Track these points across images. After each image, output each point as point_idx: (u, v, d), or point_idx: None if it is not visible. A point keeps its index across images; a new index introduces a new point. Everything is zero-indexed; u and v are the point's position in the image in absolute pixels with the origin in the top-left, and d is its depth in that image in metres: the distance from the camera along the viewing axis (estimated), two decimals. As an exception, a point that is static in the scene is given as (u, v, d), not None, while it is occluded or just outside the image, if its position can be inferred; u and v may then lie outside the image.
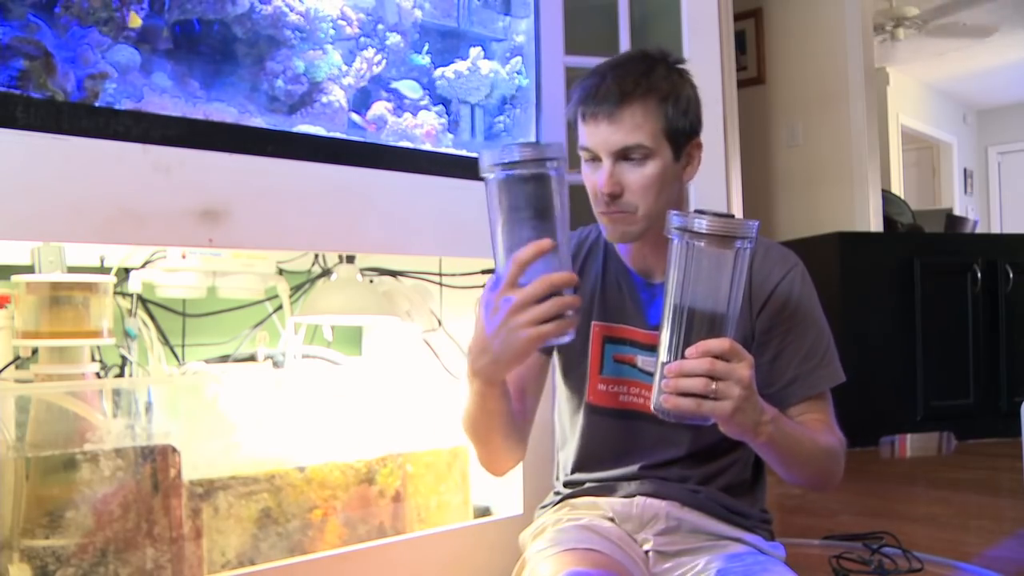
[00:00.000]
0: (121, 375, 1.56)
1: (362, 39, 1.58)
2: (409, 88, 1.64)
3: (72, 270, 1.39)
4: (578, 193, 1.09)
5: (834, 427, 1.11)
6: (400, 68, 1.65)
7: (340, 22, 1.53)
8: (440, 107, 1.68)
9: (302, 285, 1.81)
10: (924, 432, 3.40)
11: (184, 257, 1.54)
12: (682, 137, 1.08)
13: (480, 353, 0.99)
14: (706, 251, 0.89)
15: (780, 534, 1.19)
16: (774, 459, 1.02)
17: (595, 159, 1.07)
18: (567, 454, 1.22)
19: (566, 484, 1.22)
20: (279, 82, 1.44)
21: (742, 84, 4.00)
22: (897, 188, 5.96)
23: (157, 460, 1.27)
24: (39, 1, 1.18)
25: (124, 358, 1.56)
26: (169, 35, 1.33)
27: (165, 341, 1.67)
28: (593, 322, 1.16)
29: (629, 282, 1.17)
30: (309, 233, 1.36)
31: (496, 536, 1.56)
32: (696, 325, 0.90)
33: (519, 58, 1.80)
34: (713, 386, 0.88)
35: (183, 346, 1.72)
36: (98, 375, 1.43)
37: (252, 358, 1.67)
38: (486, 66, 1.73)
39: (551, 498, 1.23)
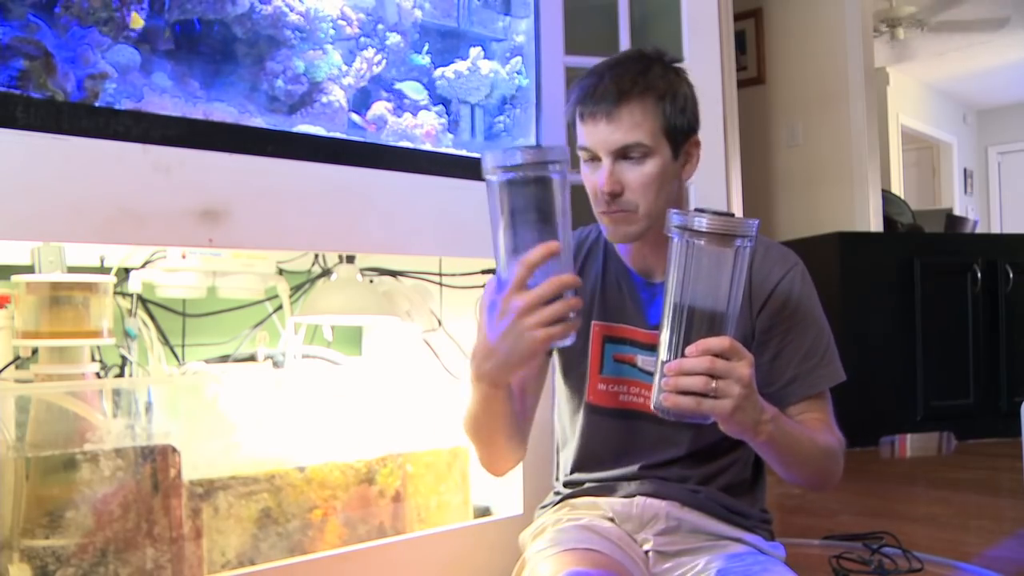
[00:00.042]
0: (121, 375, 1.56)
1: (362, 39, 1.58)
2: (413, 89, 1.64)
3: (72, 270, 1.39)
4: (578, 193, 1.09)
5: (833, 427, 1.11)
6: (400, 68, 1.65)
7: (340, 22, 1.53)
8: (440, 107, 1.68)
9: (302, 285, 1.81)
10: (924, 432, 3.40)
11: (184, 257, 1.54)
12: (680, 135, 1.08)
13: (486, 356, 0.99)
14: (706, 249, 0.89)
15: (780, 534, 1.19)
16: (774, 458, 1.02)
17: (594, 159, 1.08)
18: (567, 454, 1.22)
19: (566, 484, 1.22)
20: (279, 82, 1.44)
21: (742, 84, 4.00)
22: (897, 188, 5.96)
23: (157, 460, 1.27)
24: (39, 1, 1.18)
25: (124, 358, 1.56)
26: (169, 35, 1.33)
27: (165, 341, 1.67)
28: (593, 322, 1.16)
29: (629, 282, 1.17)
30: (309, 233, 1.36)
31: (496, 536, 1.56)
32: (696, 324, 0.90)
33: (519, 58, 1.80)
34: (713, 384, 0.88)
35: (183, 346, 1.72)
36: (98, 375, 1.43)
37: (252, 358, 1.67)
38: (486, 66, 1.73)
39: (551, 498, 1.23)
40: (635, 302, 1.16)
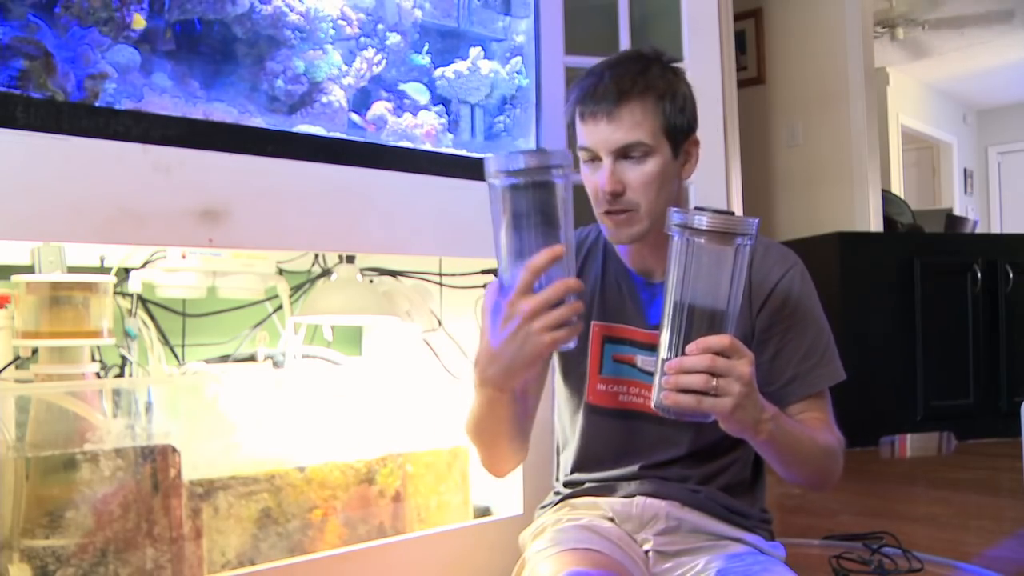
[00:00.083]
0: (121, 375, 1.56)
1: (362, 39, 1.58)
2: (416, 91, 1.65)
3: (72, 270, 1.39)
4: (577, 193, 1.09)
5: (833, 426, 1.11)
6: (400, 68, 1.65)
7: (340, 22, 1.53)
8: (440, 107, 1.68)
9: (302, 285, 1.81)
10: (924, 432, 3.40)
11: (184, 257, 1.54)
12: (680, 134, 1.09)
13: (490, 361, 0.99)
14: (706, 248, 0.89)
15: (780, 534, 1.19)
16: (774, 457, 1.02)
17: (595, 159, 1.08)
18: (567, 455, 1.22)
19: (566, 484, 1.22)
20: (279, 82, 1.44)
21: (742, 84, 4.00)
22: (897, 188, 5.96)
23: (157, 460, 1.27)
24: (39, 1, 1.18)
25: (124, 358, 1.56)
26: (171, 36, 1.33)
27: (165, 341, 1.67)
28: (592, 322, 1.16)
29: (629, 282, 1.17)
30: (309, 233, 1.36)
31: (496, 536, 1.56)
32: (696, 322, 0.90)
33: (519, 58, 1.80)
34: (714, 383, 0.88)
35: (183, 346, 1.72)
36: (98, 375, 1.43)
37: (252, 358, 1.67)
38: (486, 66, 1.73)
39: (551, 498, 1.23)
40: (635, 302, 1.16)
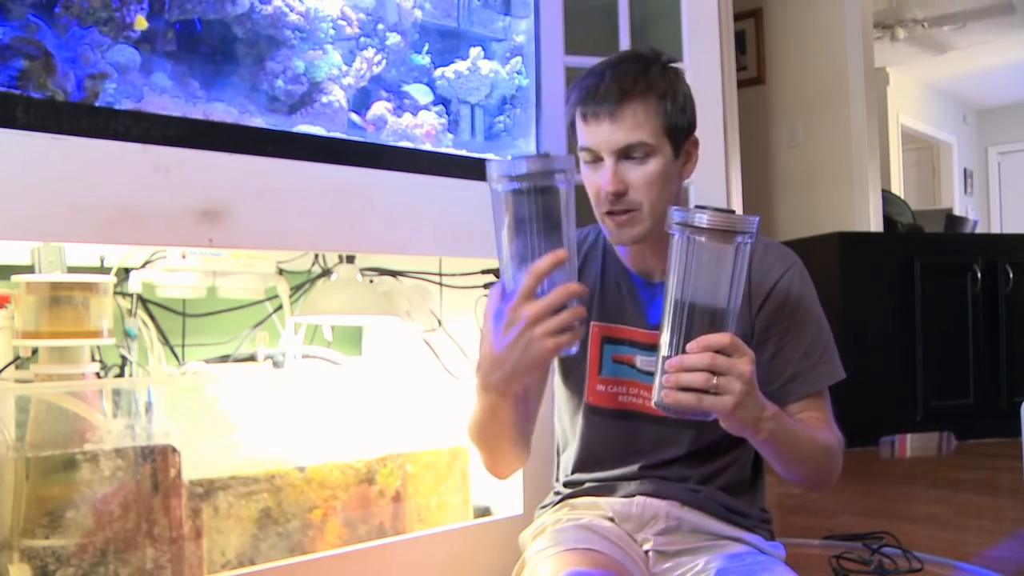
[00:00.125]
0: (121, 375, 1.56)
1: (362, 39, 1.58)
2: (420, 92, 1.65)
3: (72, 270, 1.39)
4: (577, 194, 1.09)
5: (833, 425, 1.11)
6: (400, 68, 1.65)
7: (340, 22, 1.53)
8: (440, 107, 1.68)
9: (302, 285, 1.81)
10: (924, 432, 3.41)
11: (184, 257, 1.54)
12: (681, 134, 1.09)
13: (493, 366, 0.98)
14: (707, 246, 0.89)
15: (780, 534, 1.19)
16: (774, 456, 1.02)
17: (597, 159, 1.07)
18: (568, 455, 1.23)
19: (566, 484, 1.22)
20: (279, 82, 1.44)
21: (742, 84, 4.00)
22: (897, 188, 5.96)
23: (157, 460, 1.27)
24: (39, 1, 1.18)
25: (124, 358, 1.56)
26: (172, 36, 1.33)
27: (165, 341, 1.67)
28: (592, 323, 1.16)
29: (629, 282, 1.17)
30: (309, 233, 1.36)
31: (496, 536, 1.56)
32: (697, 320, 0.90)
33: (519, 58, 1.80)
34: (714, 381, 0.88)
35: (183, 346, 1.72)
36: (98, 375, 1.43)
37: (252, 358, 1.67)
38: (486, 66, 1.73)
39: (551, 498, 1.23)
40: (635, 303, 1.16)
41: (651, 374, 1.02)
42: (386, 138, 1.56)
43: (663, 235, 0.96)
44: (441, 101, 1.70)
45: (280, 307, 1.74)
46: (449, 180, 1.53)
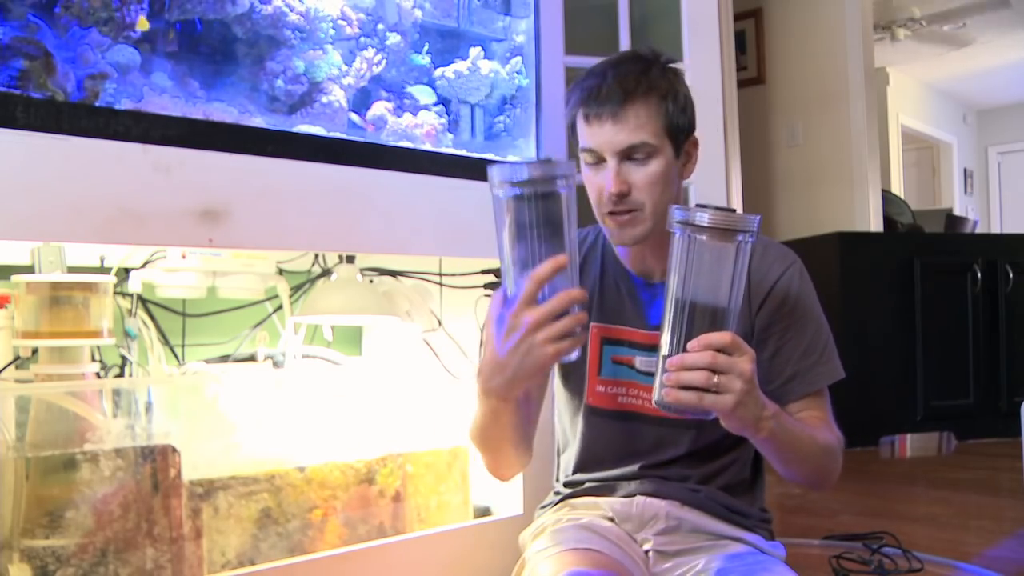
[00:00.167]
0: (121, 375, 1.56)
1: (362, 39, 1.58)
2: (423, 94, 1.65)
3: (72, 270, 1.39)
4: (578, 195, 1.09)
5: (832, 424, 1.11)
6: (400, 68, 1.65)
7: (340, 22, 1.53)
8: (440, 107, 1.68)
9: (302, 285, 1.81)
10: (924, 432, 3.40)
11: (184, 257, 1.54)
12: (682, 134, 1.09)
13: (495, 372, 0.99)
14: (708, 245, 0.89)
15: (780, 534, 1.19)
16: (774, 455, 1.02)
17: (599, 160, 1.07)
18: (568, 456, 1.23)
19: (566, 484, 1.22)
20: (279, 82, 1.44)
21: (742, 84, 4.00)
22: (897, 188, 5.96)
23: (157, 460, 1.27)
24: (39, 1, 1.18)
25: (124, 358, 1.56)
26: (173, 36, 1.33)
27: (165, 341, 1.67)
28: (591, 323, 1.16)
29: (628, 283, 1.17)
30: (309, 233, 1.36)
31: (496, 536, 1.56)
32: (698, 319, 0.90)
33: (519, 58, 1.80)
34: (715, 379, 0.88)
35: (183, 346, 1.72)
36: (98, 375, 1.43)
37: (252, 358, 1.67)
38: (486, 66, 1.73)
39: (551, 498, 1.23)
40: (635, 303, 1.16)
41: (651, 375, 1.02)
42: (386, 138, 1.56)
43: (663, 235, 0.96)
44: (441, 101, 1.70)
45: (280, 307, 1.74)
46: (449, 180, 1.53)
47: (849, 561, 1.83)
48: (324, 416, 1.54)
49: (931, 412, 3.55)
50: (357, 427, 1.56)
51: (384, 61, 1.60)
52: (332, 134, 1.45)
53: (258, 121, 1.39)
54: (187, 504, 1.29)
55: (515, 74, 1.79)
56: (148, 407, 1.41)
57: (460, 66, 1.71)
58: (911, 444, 3.36)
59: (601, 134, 1.06)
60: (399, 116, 1.60)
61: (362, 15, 1.58)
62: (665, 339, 0.92)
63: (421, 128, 1.61)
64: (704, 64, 2.10)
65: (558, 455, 1.27)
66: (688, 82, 1.14)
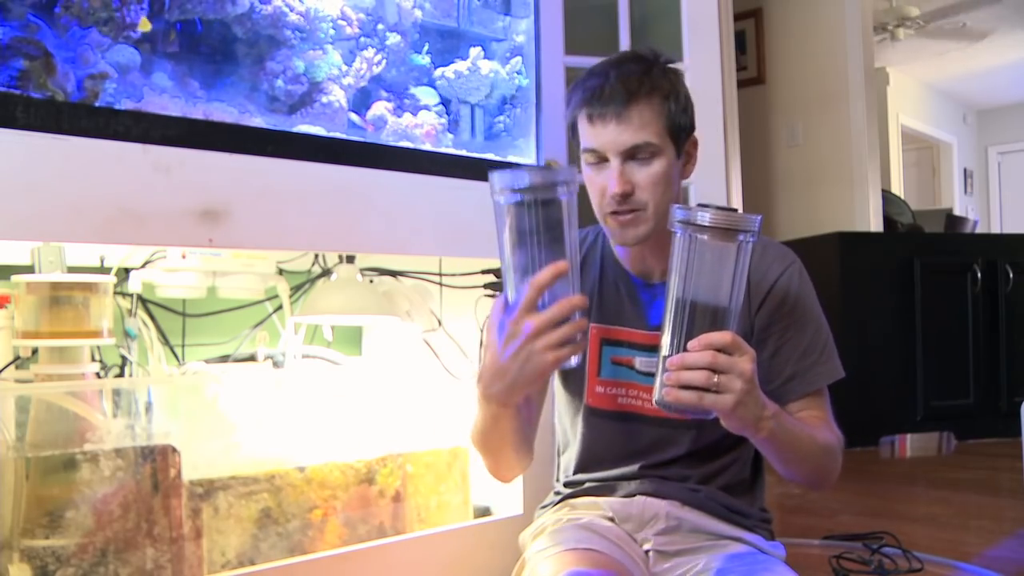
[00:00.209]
0: (121, 375, 1.56)
1: (362, 39, 1.58)
2: (426, 95, 1.65)
3: (72, 270, 1.39)
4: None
5: (832, 424, 1.11)
6: (400, 68, 1.65)
7: (340, 22, 1.53)
8: (440, 107, 1.68)
9: (302, 285, 1.81)
10: (924, 432, 3.40)
11: (184, 257, 1.54)
12: (683, 134, 1.09)
13: (495, 378, 0.99)
14: (709, 244, 0.89)
15: (780, 534, 1.19)
16: (774, 455, 1.02)
17: (601, 160, 1.07)
18: (569, 456, 1.23)
19: (566, 484, 1.22)
20: (279, 82, 1.44)
21: (742, 84, 4.00)
22: (897, 188, 5.96)
23: (157, 460, 1.27)
24: (39, 1, 1.18)
25: (124, 358, 1.56)
26: (170, 35, 1.33)
27: (165, 341, 1.67)
28: (590, 324, 1.16)
29: (628, 284, 1.17)
30: (309, 233, 1.36)
31: (496, 536, 1.56)
32: (698, 319, 0.90)
33: (519, 58, 1.80)
34: (715, 379, 0.88)
35: (183, 346, 1.72)
36: (98, 375, 1.43)
37: (252, 358, 1.67)
38: (486, 66, 1.73)
39: (551, 498, 1.23)
40: (634, 304, 1.16)
41: (650, 375, 1.02)
42: (386, 138, 1.56)
43: (664, 235, 0.96)
44: (441, 101, 1.70)
45: (280, 307, 1.74)
46: (449, 180, 1.53)
47: (849, 561, 1.83)
48: (324, 416, 1.54)
49: (931, 412, 3.55)
50: (357, 427, 1.56)
51: (384, 61, 1.60)
52: (332, 134, 1.45)
53: (258, 121, 1.39)
54: (187, 504, 1.29)
55: (515, 74, 1.79)
56: (148, 407, 1.41)
57: (460, 66, 1.71)
58: (911, 444, 3.36)
59: (605, 134, 1.05)
60: (399, 116, 1.60)
61: (362, 15, 1.58)
62: (666, 339, 0.92)
63: (421, 128, 1.61)
64: (704, 64, 2.10)
65: (558, 455, 1.27)
66: (688, 82, 1.14)
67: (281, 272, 1.73)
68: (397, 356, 1.93)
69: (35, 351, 1.36)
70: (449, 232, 1.53)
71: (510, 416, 1.05)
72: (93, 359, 1.40)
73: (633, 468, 1.15)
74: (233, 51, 1.42)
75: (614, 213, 1.07)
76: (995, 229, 7.41)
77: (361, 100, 1.58)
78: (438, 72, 1.70)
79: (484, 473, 1.18)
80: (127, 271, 1.57)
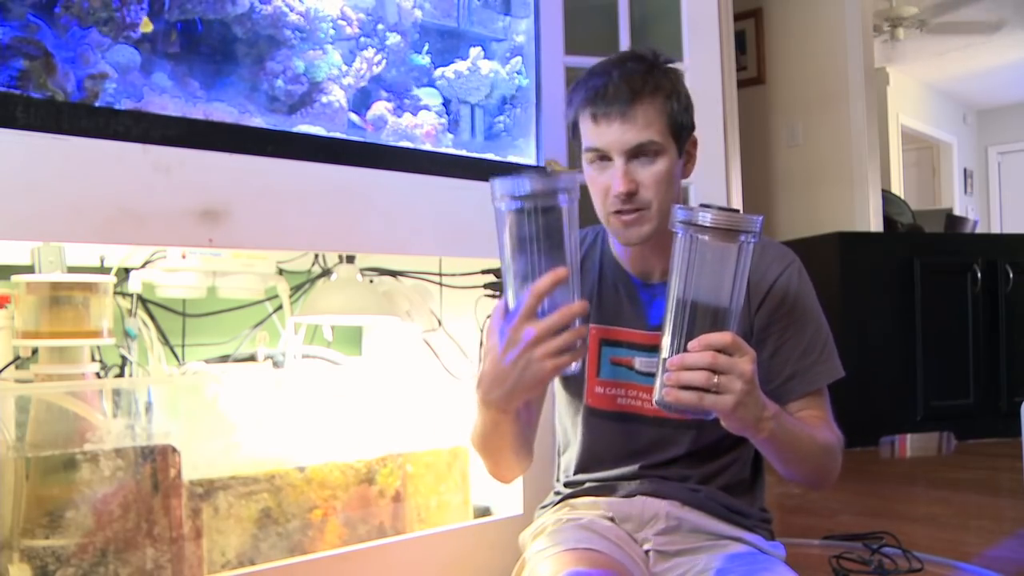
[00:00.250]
0: (121, 375, 1.56)
1: (362, 39, 1.58)
2: (429, 95, 1.65)
3: (72, 270, 1.39)
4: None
5: (832, 424, 1.11)
6: (400, 68, 1.65)
7: (340, 22, 1.53)
8: (440, 107, 1.68)
9: (302, 285, 1.81)
10: (924, 432, 3.40)
11: (184, 257, 1.54)
12: (685, 133, 1.09)
13: (494, 384, 0.99)
14: (710, 245, 0.89)
15: (780, 534, 1.19)
16: (774, 455, 1.02)
17: (604, 160, 1.07)
18: (569, 456, 1.23)
19: (567, 484, 1.22)
20: (279, 82, 1.44)
21: (742, 84, 4.00)
22: (897, 188, 5.96)
23: (157, 460, 1.27)
24: (39, 1, 1.18)
25: (124, 358, 1.56)
26: (170, 35, 1.33)
27: (165, 341, 1.67)
28: (590, 325, 1.16)
29: (628, 284, 1.17)
30: (309, 233, 1.36)
31: (496, 536, 1.56)
32: (699, 319, 0.90)
33: (519, 58, 1.80)
34: (715, 380, 0.88)
35: (183, 346, 1.72)
36: (98, 375, 1.43)
37: (252, 358, 1.67)
38: (486, 66, 1.73)
39: (551, 498, 1.23)
40: (634, 304, 1.16)
41: (650, 376, 1.02)
42: (386, 138, 1.56)
43: (665, 235, 0.96)
44: (442, 101, 1.70)
45: (280, 307, 1.74)
46: (449, 180, 1.53)
47: (849, 561, 1.83)
48: (324, 416, 1.54)
49: (931, 412, 3.55)
50: (357, 427, 1.56)
51: (384, 61, 1.60)
52: (332, 134, 1.45)
53: (258, 121, 1.39)
54: (187, 504, 1.29)
55: (515, 74, 1.79)
56: (148, 407, 1.41)
57: (460, 66, 1.71)
58: (911, 444, 3.36)
59: (609, 133, 1.05)
60: (399, 116, 1.60)
61: (362, 15, 1.58)
62: (666, 339, 0.92)
63: (421, 128, 1.61)
64: (704, 64, 2.10)
65: (558, 456, 1.27)
66: (688, 82, 1.14)
67: (281, 272, 1.73)
68: (397, 356, 1.93)
69: (35, 351, 1.36)
70: (449, 232, 1.53)
71: (510, 421, 1.05)
72: (93, 359, 1.40)
73: (633, 468, 1.15)
74: (233, 51, 1.42)
75: (618, 212, 1.07)
76: (995, 229, 7.41)
77: (361, 100, 1.58)
78: (438, 72, 1.70)
79: (484, 473, 1.18)
80: (127, 271, 1.57)
